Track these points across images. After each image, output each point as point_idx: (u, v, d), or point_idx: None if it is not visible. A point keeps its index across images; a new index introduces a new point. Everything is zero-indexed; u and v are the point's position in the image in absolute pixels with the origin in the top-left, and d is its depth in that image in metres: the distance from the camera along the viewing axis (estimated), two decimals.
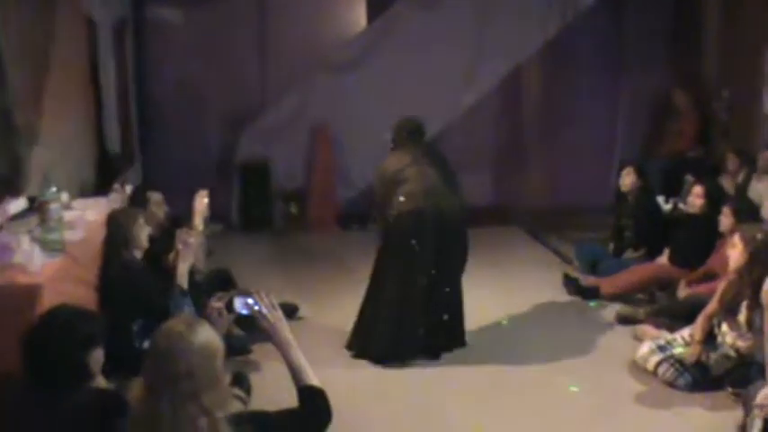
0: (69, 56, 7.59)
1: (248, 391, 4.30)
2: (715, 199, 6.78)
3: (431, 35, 10.02)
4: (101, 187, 7.59)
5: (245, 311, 3.04)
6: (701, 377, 5.19)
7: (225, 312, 3.20)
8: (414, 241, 5.72)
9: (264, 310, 2.99)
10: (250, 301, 3.02)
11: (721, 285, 5.30)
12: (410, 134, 6.15)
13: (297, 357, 2.95)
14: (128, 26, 9.76)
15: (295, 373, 2.94)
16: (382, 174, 6.00)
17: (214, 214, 10.13)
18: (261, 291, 3.03)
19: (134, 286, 4.90)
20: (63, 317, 3.25)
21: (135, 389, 2.75)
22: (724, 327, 5.25)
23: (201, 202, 5.77)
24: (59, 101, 7.10)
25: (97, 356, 3.26)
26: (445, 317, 5.95)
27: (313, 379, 2.93)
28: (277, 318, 2.99)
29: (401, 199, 5.77)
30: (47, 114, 6.72)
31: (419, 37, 10.06)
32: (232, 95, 10.86)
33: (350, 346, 6.04)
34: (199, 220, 5.66)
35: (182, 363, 2.58)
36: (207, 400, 2.59)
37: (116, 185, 6.98)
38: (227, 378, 2.77)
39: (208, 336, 2.67)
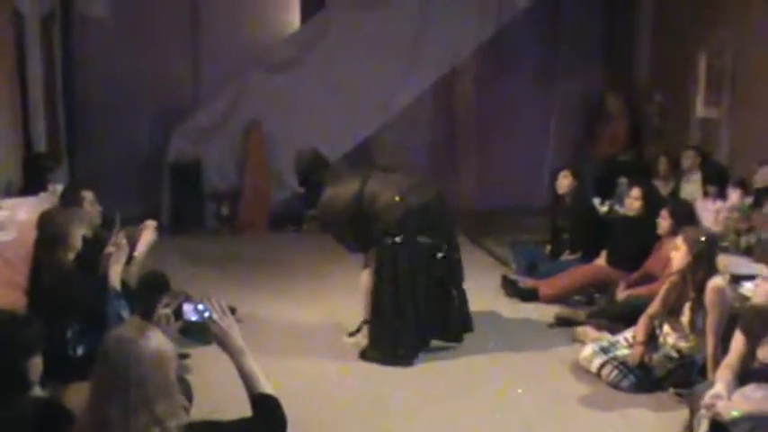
0: None
1: (190, 397, 4.15)
2: (652, 201, 6.85)
3: (366, 35, 9.96)
4: (27, 186, 7.32)
5: (194, 318, 2.90)
6: (644, 378, 5.21)
7: (173, 319, 3.06)
8: (431, 230, 5.84)
9: (216, 317, 2.86)
10: (200, 307, 2.88)
11: (664, 287, 5.32)
12: (322, 162, 6.31)
13: (249, 365, 2.83)
14: (56, 20, 9.45)
15: (248, 381, 2.81)
16: (342, 208, 5.96)
17: (144, 215, 9.99)
18: (212, 297, 2.90)
19: (69, 290, 4.66)
20: None
21: (75, 396, 2.61)
22: (666, 328, 5.28)
23: (149, 233, 5.63)
24: None
25: (36, 364, 3.09)
26: (454, 292, 6.08)
27: (267, 386, 2.81)
28: (229, 324, 2.86)
29: (397, 199, 5.77)
30: None
31: (354, 37, 9.98)
32: (163, 93, 10.63)
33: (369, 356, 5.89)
34: (142, 252, 5.51)
35: (133, 370, 2.46)
36: (159, 409, 2.48)
37: (50, 185, 6.73)
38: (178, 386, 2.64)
39: (160, 342, 2.55)
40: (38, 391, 3.18)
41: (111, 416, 2.44)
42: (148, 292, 5.63)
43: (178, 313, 3.03)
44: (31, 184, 7.27)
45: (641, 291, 6.20)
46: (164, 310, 3.10)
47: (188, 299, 3.00)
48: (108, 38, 10.37)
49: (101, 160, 10.13)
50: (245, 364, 2.83)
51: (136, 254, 5.71)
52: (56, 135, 9.35)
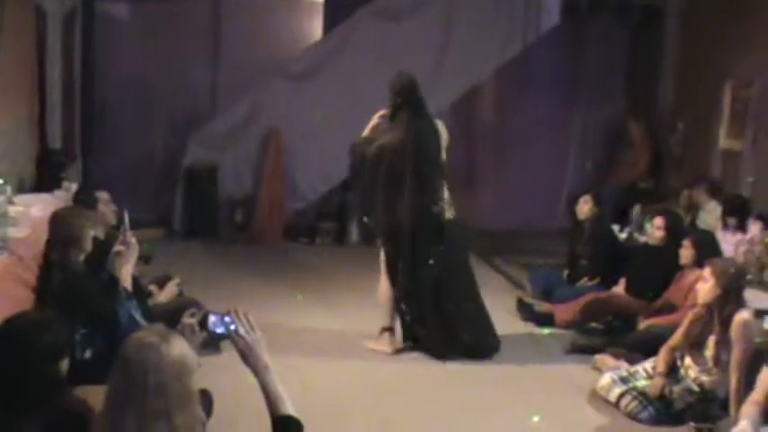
0: (17, 46, 7.26)
1: (209, 410, 4.00)
2: (675, 231, 6.71)
3: (389, 47, 9.81)
4: (40, 183, 7.25)
5: (219, 330, 2.78)
6: (664, 411, 5.07)
7: (197, 330, 2.94)
8: None
9: (242, 331, 2.74)
10: (227, 319, 2.77)
11: (687, 318, 5.19)
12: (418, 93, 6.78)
13: (274, 383, 2.70)
14: (77, 17, 9.37)
15: (271, 401, 2.69)
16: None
17: (156, 218, 9.90)
18: (239, 309, 2.79)
19: (79, 292, 4.54)
20: (26, 327, 3.01)
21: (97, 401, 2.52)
22: (687, 360, 5.15)
23: (173, 288, 5.79)
24: (4, 92, 6.77)
25: (65, 366, 3.06)
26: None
27: (290, 408, 2.69)
28: (255, 340, 2.74)
29: None
30: None
31: (377, 49, 9.84)
32: (181, 98, 10.56)
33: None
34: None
35: (153, 376, 2.35)
36: (178, 420, 2.37)
37: (65, 183, 6.66)
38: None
39: (182, 350, 2.44)
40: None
41: (126, 424, 2.34)
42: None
43: (203, 324, 2.89)
44: (44, 181, 7.20)
45: (661, 321, 6.07)
46: (188, 320, 2.96)
47: (215, 311, 2.87)
48: (130, 39, 10.31)
49: (115, 161, 10.08)
50: (270, 382, 2.71)
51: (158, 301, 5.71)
52: (71, 133, 9.27)
